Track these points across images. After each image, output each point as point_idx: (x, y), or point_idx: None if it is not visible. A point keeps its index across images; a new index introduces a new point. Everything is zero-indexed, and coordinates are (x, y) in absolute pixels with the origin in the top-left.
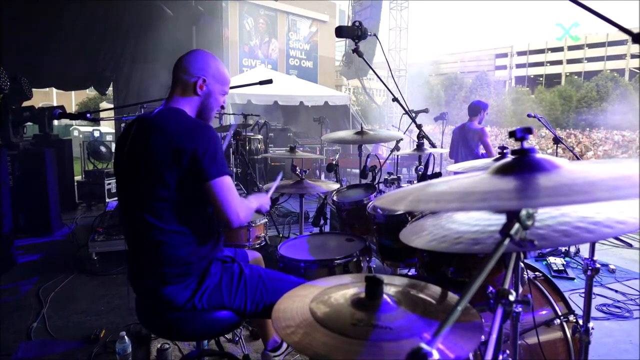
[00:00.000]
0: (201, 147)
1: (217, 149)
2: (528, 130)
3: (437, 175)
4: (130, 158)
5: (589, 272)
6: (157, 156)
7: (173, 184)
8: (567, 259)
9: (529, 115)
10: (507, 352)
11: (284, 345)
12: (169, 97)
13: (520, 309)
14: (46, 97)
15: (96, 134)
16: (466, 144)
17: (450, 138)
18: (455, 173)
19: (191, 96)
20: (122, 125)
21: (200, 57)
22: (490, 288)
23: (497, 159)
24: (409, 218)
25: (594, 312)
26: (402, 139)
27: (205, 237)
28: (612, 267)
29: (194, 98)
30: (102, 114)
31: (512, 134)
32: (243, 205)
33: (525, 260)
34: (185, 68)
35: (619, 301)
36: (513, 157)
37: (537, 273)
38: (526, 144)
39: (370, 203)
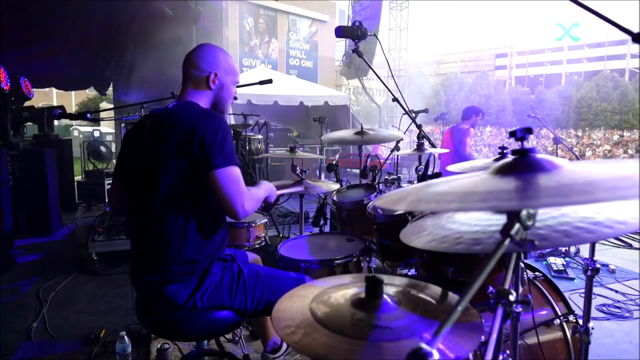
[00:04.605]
0: (210, 131)
1: (226, 137)
2: (528, 130)
3: (437, 175)
4: (144, 151)
5: (589, 272)
6: (170, 146)
7: (184, 175)
8: (567, 259)
9: (528, 116)
10: (507, 352)
11: (284, 346)
12: (182, 92)
13: (520, 309)
14: (46, 97)
15: (96, 134)
16: (452, 144)
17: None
18: (452, 173)
19: (204, 90)
20: (122, 125)
21: (209, 51)
22: (491, 288)
23: (497, 159)
24: (409, 218)
25: (594, 312)
26: (402, 139)
27: (213, 236)
28: (612, 267)
29: (207, 92)
30: (102, 114)
31: (512, 134)
32: (249, 195)
33: (525, 260)
34: (196, 63)
35: (619, 301)
36: (513, 157)
37: (537, 273)
38: (526, 144)
39: (370, 203)
